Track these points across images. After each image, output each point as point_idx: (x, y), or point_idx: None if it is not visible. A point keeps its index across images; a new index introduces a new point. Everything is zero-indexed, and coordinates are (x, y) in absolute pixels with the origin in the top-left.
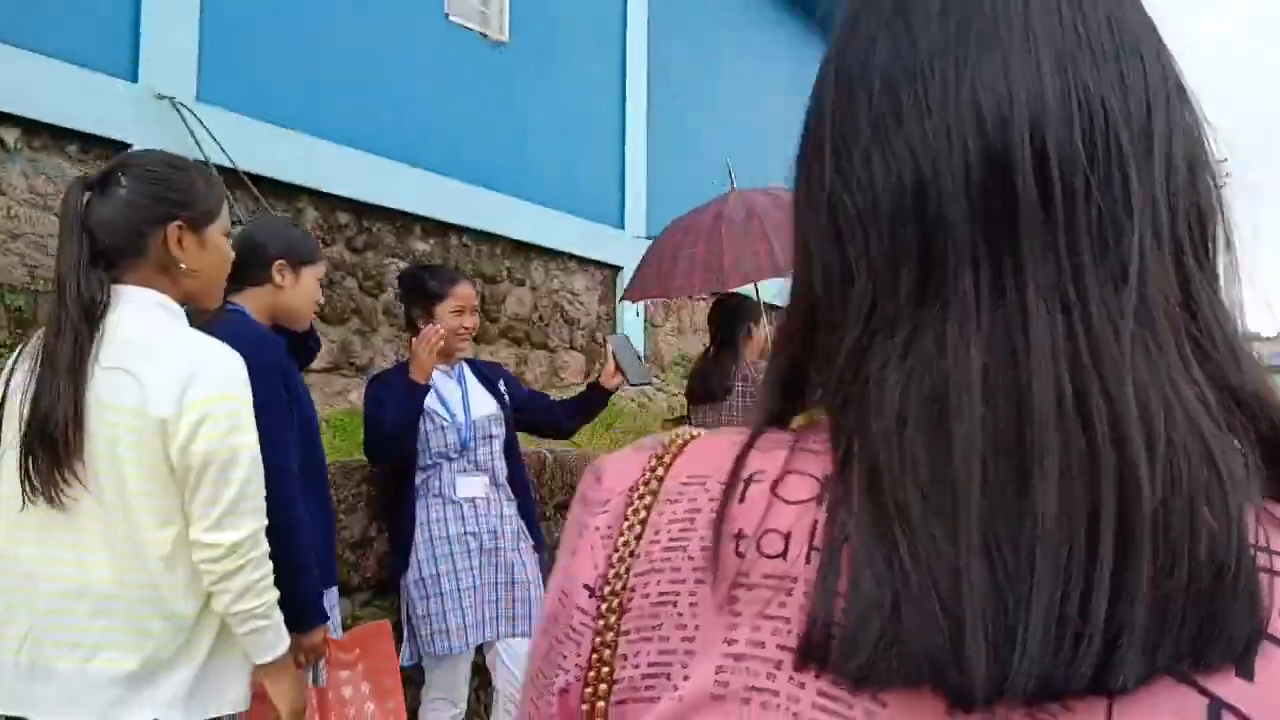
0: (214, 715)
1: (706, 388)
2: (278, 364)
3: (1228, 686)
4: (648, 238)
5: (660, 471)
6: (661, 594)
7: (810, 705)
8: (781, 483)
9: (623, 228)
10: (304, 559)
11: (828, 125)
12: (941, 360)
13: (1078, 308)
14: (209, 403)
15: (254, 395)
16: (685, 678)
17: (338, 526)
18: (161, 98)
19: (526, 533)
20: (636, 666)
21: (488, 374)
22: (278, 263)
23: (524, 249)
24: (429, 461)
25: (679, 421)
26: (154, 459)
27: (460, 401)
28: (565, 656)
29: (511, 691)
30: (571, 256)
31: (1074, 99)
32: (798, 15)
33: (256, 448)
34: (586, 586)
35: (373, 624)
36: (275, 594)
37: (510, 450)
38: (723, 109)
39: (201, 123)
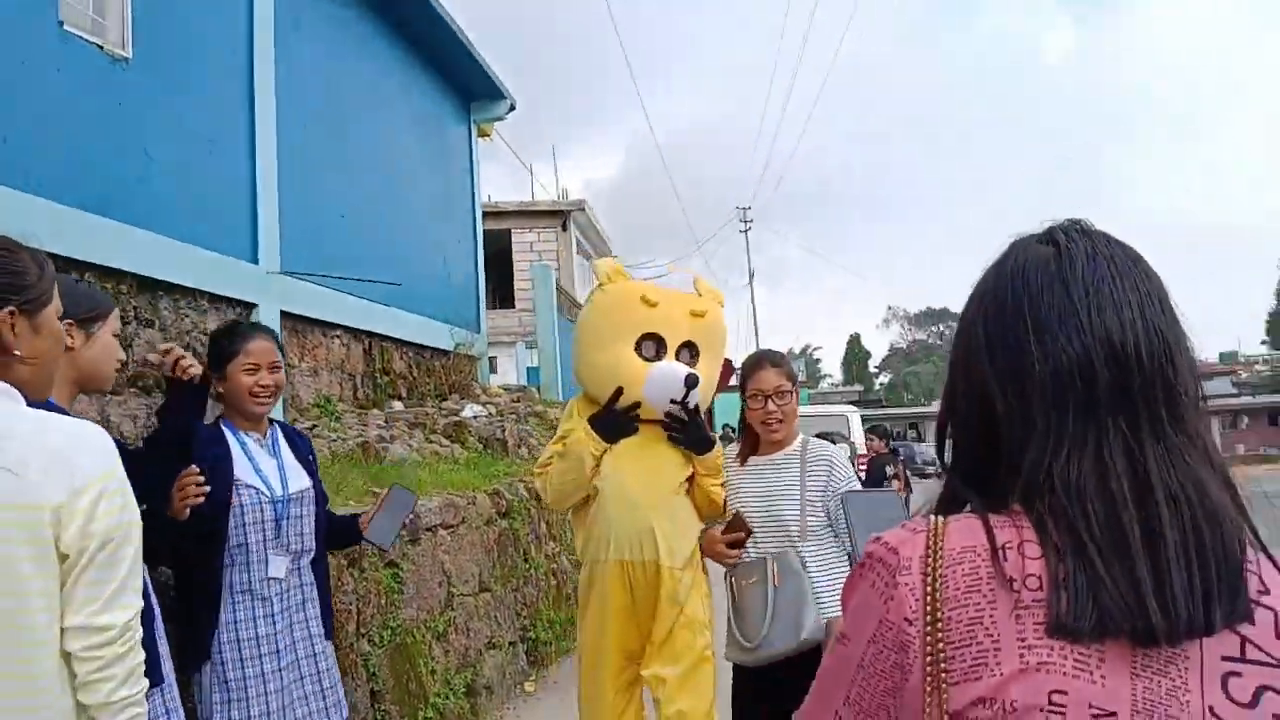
0: None
1: None
2: None
3: (1245, 629)
4: (283, 272)
5: (938, 545)
6: (971, 619)
7: (1072, 662)
8: (1023, 545)
9: (257, 261)
10: None
11: (1016, 337)
12: (1099, 465)
13: (1164, 439)
14: (103, 479)
15: None
16: (999, 664)
17: None
18: None
19: (321, 621)
20: (963, 661)
21: (300, 445)
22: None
23: (151, 285)
24: (238, 541)
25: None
26: (46, 551)
27: (277, 473)
28: (892, 669)
29: None
30: (203, 293)
31: (1150, 330)
32: (421, 57)
33: (140, 523)
34: (906, 619)
35: None
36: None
37: (318, 531)
38: (350, 140)
39: None
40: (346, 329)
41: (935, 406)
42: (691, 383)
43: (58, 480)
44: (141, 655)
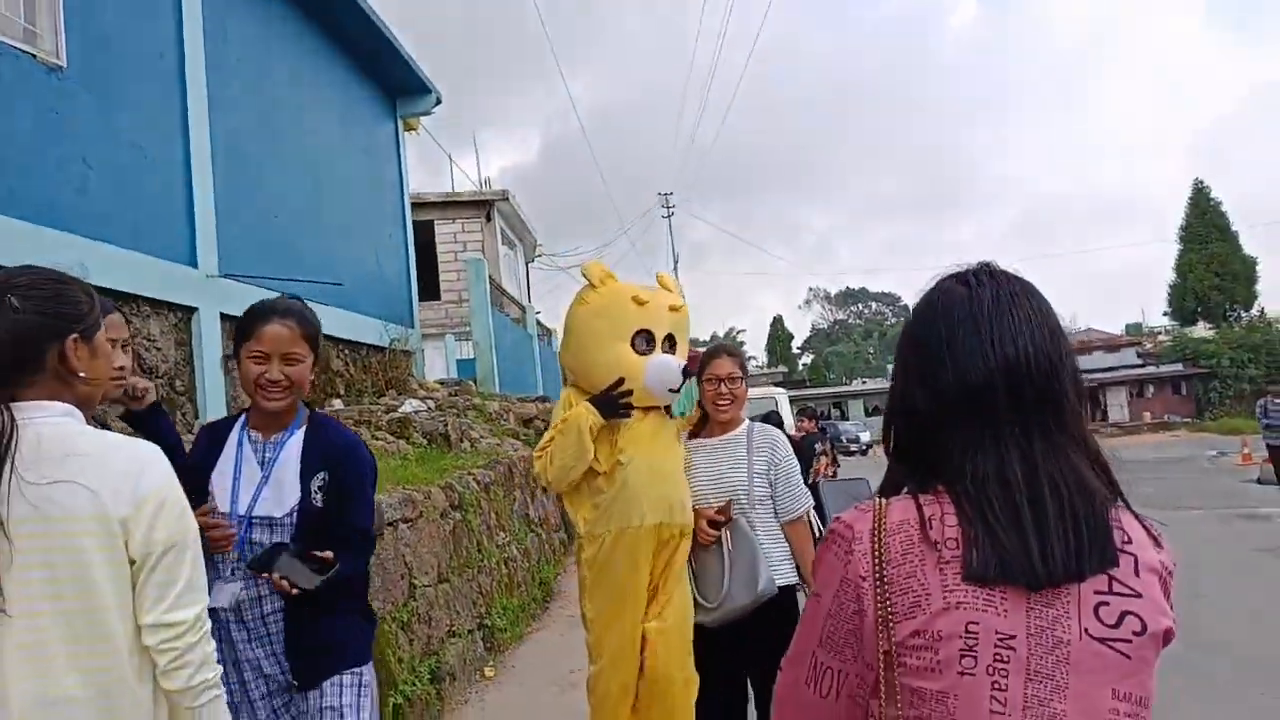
0: None
1: None
2: None
3: (1112, 570)
4: (223, 276)
5: (882, 520)
6: (907, 573)
7: (982, 601)
8: (944, 517)
9: (195, 265)
10: None
11: (937, 362)
12: (1000, 462)
13: (1049, 438)
14: (161, 491)
15: None
16: (929, 604)
17: None
18: None
19: (294, 668)
20: (903, 604)
21: (334, 456)
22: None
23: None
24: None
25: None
26: (118, 557)
27: (253, 487)
28: (853, 614)
29: None
30: (144, 299)
31: (1039, 354)
32: (348, 54)
33: (198, 528)
34: (861, 576)
35: None
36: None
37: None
38: (282, 140)
39: None
40: None
41: (856, 385)
42: (687, 374)
43: (124, 495)
44: (212, 644)
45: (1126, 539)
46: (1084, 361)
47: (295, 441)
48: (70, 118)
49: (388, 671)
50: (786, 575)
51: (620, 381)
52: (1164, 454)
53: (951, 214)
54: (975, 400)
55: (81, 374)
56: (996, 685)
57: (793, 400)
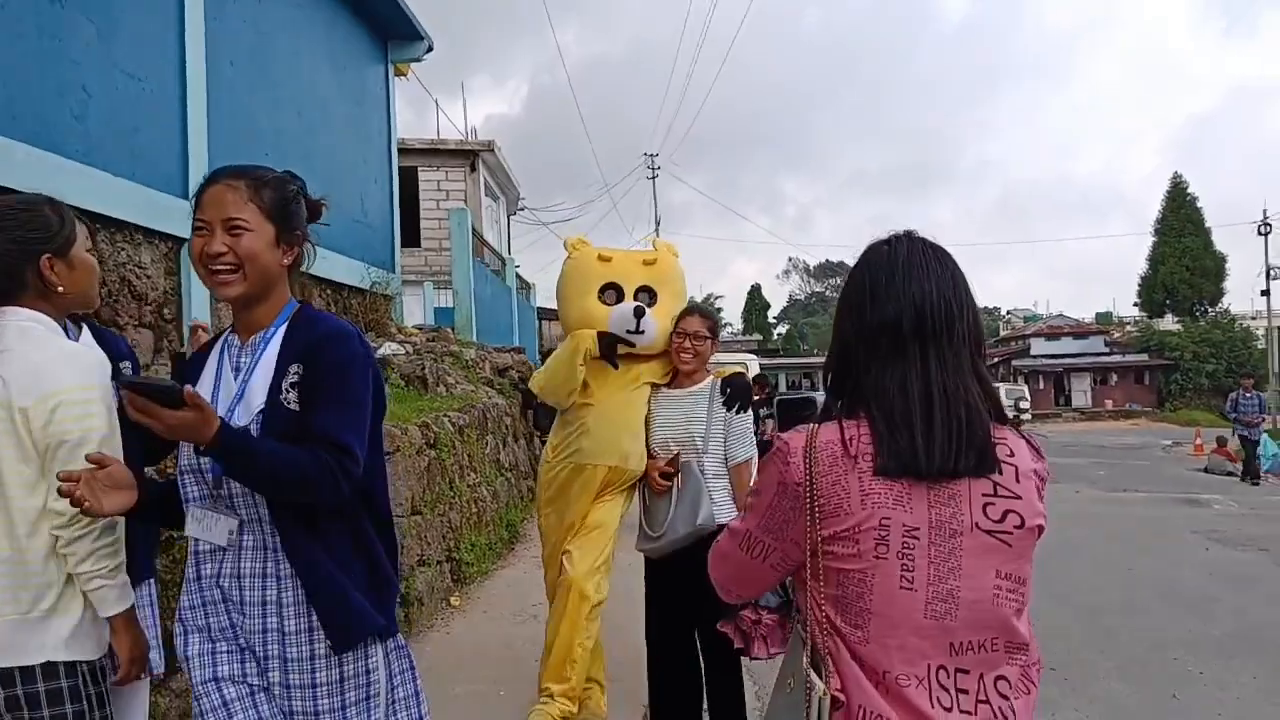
0: (94, 656)
1: None
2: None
3: (996, 477)
4: None
5: (814, 439)
6: (833, 481)
7: (892, 499)
8: (860, 436)
9: (187, 197)
10: None
11: (862, 303)
12: (904, 380)
13: (947, 363)
14: (63, 391)
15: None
16: (849, 504)
17: None
18: None
19: (296, 615)
20: (829, 505)
21: (302, 349)
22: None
23: (88, 219)
24: (186, 494)
25: None
26: (23, 444)
27: (232, 399)
28: (789, 511)
29: None
30: (138, 228)
31: (941, 297)
32: (343, 1)
33: (106, 431)
34: (796, 482)
35: None
36: (118, 560)
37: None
38: (274, 79)
39: None
40: None
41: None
42: (639, 313)
43: (29, 389)
44: (104, 542)
45: (1010, 452)
46: (1052, 347)
47: (276, 339)
48: (70, 45)
49: None
50: (729, 513)
51: (610, 335)
52: (1122, 440)
53: (934, 193)
54: (890, 331)
55: (60, 288)
56: (905, 566)
57: (764, 368)
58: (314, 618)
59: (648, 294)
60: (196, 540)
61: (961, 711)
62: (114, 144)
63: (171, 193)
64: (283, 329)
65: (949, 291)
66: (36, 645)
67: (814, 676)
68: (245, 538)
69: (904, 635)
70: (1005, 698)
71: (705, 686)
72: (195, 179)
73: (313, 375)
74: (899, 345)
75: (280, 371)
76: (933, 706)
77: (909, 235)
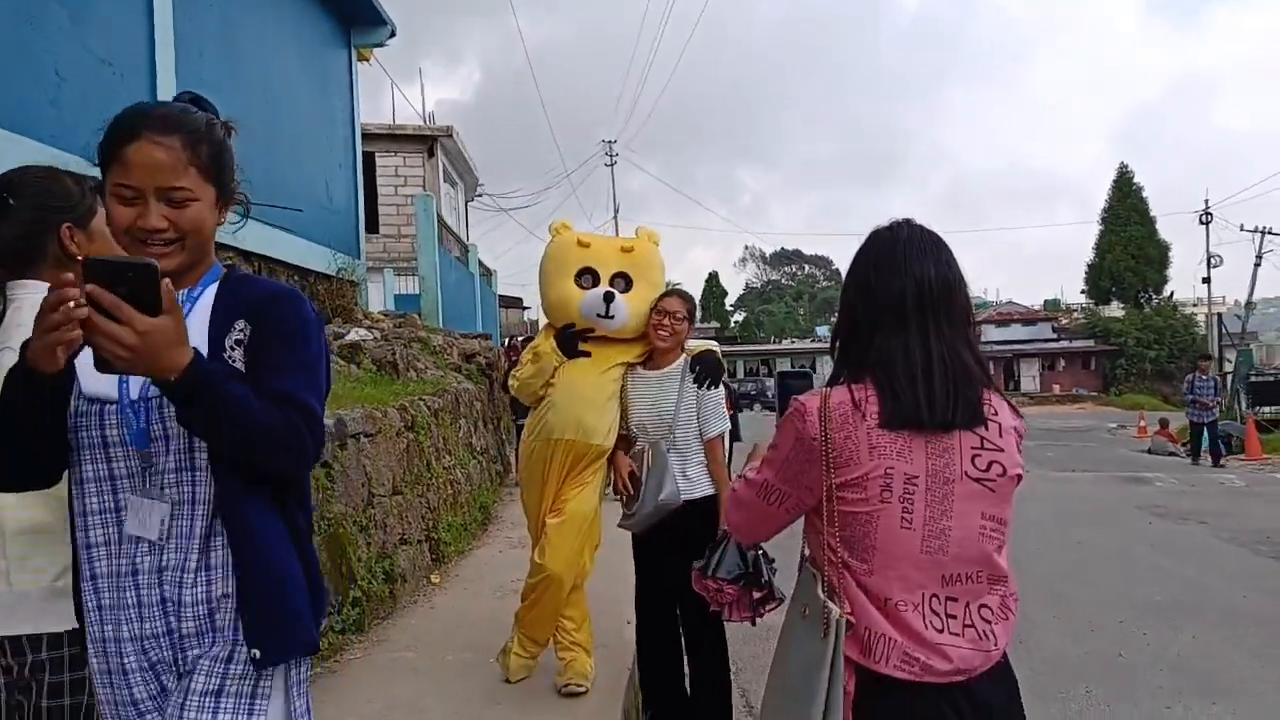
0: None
1: None
2: None
3: (982, 431)
4: None
5: (827, 400)
6: (845, 436)
7: (895, 451)
8: (869, 397)
9: None
10: None
11: (868, 280)
12: (907, 347)
13: (944, 333)
14: None
15: None
16: (858, 456)
17: None
18: None
19: (231, 637)
20: (841, 457)
21: (247, 304)
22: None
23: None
24: (82, 474)
25: None
26: None
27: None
28: (805, 462)
29: None
30: None
31: (939, 275)
32: None
33: None
34: (812, 437)
35: None
36: None
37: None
38: (240, 65)
39: None
40: (238, 251)
41: (786, 344)
42: (608, 298)
43: None
44: None
45: (994, 411)
46: (1002, 334)
47: (208, 294)
48: (44, 30)
49: (349, 568)
50: (706, 488)
51: (569, 326)
52: (1069, 424)
53: (885, 183)
54: (894, 306)
55: (79, 258)
56: (905, 509)
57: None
58: (238, 621)
59: (624, 280)
60: (98, 535)
61: (951, 634)
62: (87, 128)
63: None
64: (214, 286)
65: (946, 271)
66: (65, 611)
67: (830, 603)
68: (174, 525)
69: (904, 568)
70: (987, 622)
71: (685, 650)
72: None
73: (264, 334)
74: (902, 318)
75: (220, 327)
76: (926, 628)
77: (909, 222)
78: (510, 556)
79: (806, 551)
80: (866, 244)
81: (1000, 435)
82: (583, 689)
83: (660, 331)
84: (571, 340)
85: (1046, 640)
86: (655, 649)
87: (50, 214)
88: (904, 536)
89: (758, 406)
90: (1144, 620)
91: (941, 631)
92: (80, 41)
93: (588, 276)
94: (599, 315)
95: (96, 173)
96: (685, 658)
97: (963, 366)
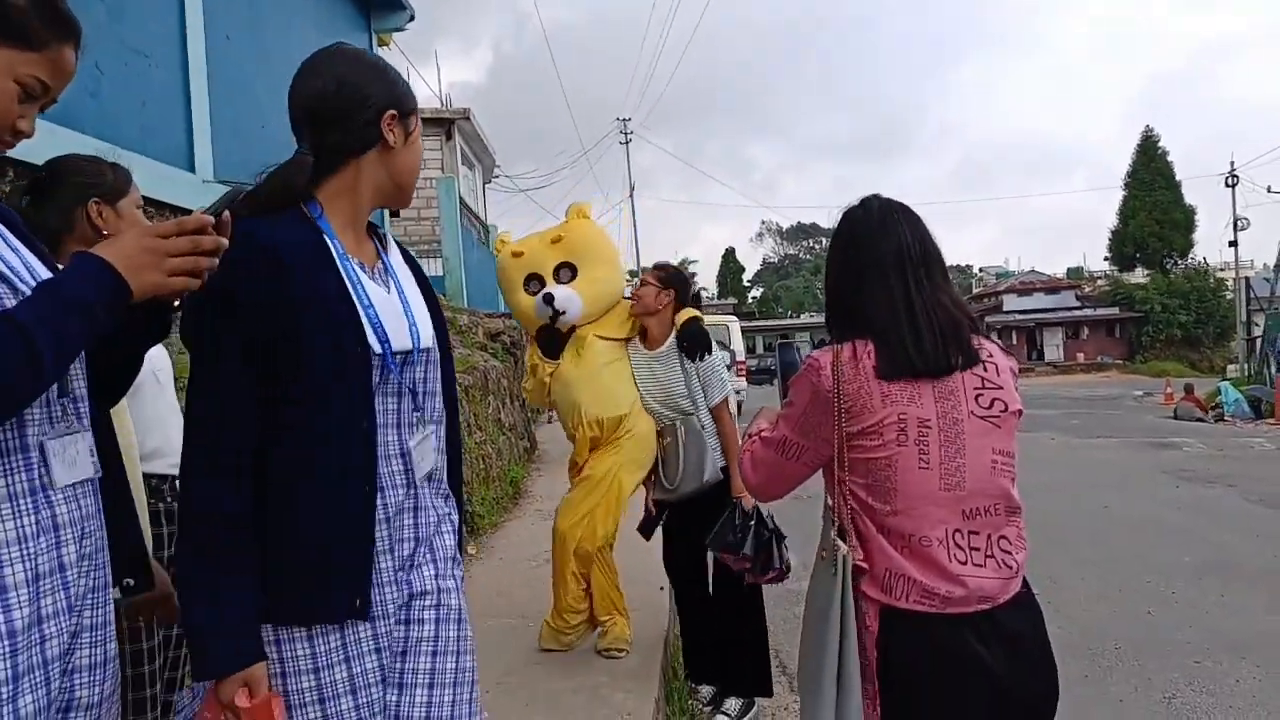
0: None
1: None
2: None
3: (981, 371)
4: (218, 181)
5: (839, 358)
6: (856, 387)
7: (906, 397)
8: (868, 353)
9: (193, 170)
10: None
11: (847, 252)
12: (890, 302)
13: (923, 285)
14: None
15: None
16: (870, 405)
17: None
18: None
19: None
20: (854, 407)
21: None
22: (388, 114)
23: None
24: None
25: None
26: None
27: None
28: (820, 414)
29: None
30: (149, 200)
31: (914, 240)
32: None
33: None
34: (827, 390)
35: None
36: None
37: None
38: (267, 51)
39: None
40: None
41: (804, 319)
42: (547, 299)
43: None
44: None
45: (989, 354)
46: (1024, 303)
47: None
48: (85, 26)
49: None
50: (722, 459)
51: (542, 330)
52: (1095, 392)
53: (903, 154)
54: (875, 269)
55: (106, 234)
56: (921, 451)
57: (744, 330)
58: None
59: (569, 269)
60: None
61: (974, 565)
62: (126, 120)
63: (179, 166)
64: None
65: (918, 233)
66: None
67: (839, 542)
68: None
69: (925, 506)
70: (1007, 552)
71: (719, 610)
72: (200, 152)
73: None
74: (883, 278)
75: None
76: (950, 561)
77: (877, 196)
78: (542, 529)
79: (829, 501)
80: (842, 221)
81: (999, 374)
82: (623, 653)
83: (631, 302)
84: (549, 344)
85: (1075, 600)
86: (690, 611)
87: (83, 189)
88: (923, 477)
89: (777, 382)
90: (1172, 581)
91: (965, 564)
92: (118, 35)
93: (534, 282)
94: (551, 318)
95: (132, 160)
96: (719, 618)
97: (948, 314)
